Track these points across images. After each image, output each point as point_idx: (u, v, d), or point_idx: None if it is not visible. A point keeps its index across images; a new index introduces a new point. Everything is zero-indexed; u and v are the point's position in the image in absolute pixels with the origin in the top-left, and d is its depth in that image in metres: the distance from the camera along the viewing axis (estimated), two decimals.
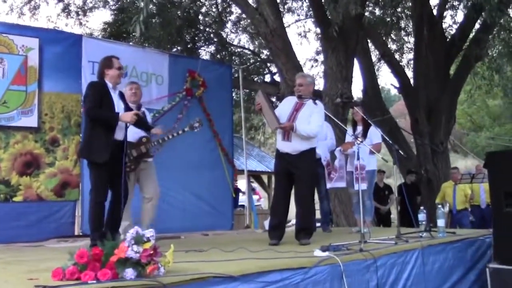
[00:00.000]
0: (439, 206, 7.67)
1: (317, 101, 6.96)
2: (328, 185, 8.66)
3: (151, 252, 3.60)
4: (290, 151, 6.71)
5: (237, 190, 14.79)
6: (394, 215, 13.66)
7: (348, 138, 8.57)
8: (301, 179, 6.66)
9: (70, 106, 8.61)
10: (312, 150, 6.82)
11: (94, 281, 3.39)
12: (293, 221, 7.14)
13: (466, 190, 12.55)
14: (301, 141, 6.65)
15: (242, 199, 17.18)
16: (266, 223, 14.94)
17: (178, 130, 7.63)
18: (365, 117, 8.30)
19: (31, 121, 8.22)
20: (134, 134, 7.04)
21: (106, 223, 5.90)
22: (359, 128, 8.40)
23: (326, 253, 4.90)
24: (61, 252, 3.78)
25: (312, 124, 6.68)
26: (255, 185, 22.99)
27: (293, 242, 6.42)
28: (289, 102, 7.07)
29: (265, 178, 21.94)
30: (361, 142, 6.78)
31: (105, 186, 5.90)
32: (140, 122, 6.35)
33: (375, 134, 8.35)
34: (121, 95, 6.32)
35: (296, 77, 7.33)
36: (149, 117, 7.68)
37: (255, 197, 22.75)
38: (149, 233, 3.70)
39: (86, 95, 6.15)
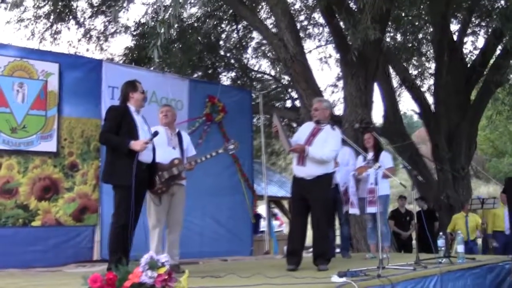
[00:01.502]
0: (459, 232, 7.57)
1: (335, 127, 6.91)
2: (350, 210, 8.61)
3: (166, 277, 3.56)
4: (305, 175, 6.66)
5: (258, 216, 14.71)
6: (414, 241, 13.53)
7: (360, 163, 8.51)
8: (316, 205, 6.59)
9: (89, 131, 8.64)
10: (328, 176, 6.75)
11: None
12: None
13: (477, 220, 12.59)
14: (315, 166, 6.60)
15: (263, 225, 17.09)
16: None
17: (212, 152, 7.51)
18: (379, 139, 8.24)
19: (50, 145, 8.25)
20: (166, 155, 6.97)
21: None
22: (370, 154, 8.33)
23: (344, 279, 4.82)
24: (78, 277, 3.73)
25: (326, 148, 6.62)
26: (276, 210, 22.87)
27: (312, 268, 6.34)
28: (307, 127, 7.04)
29: (286, 203, 21.84)
30: (379, 167, 6.68)
31: (128, 209, 5.83)
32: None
33: (387, 158, 8.31)
34: (144, 119, 6.29)
35: (313, 101, 7.30)
36: (185, 140, 7.54)
37: (276, 222, 22.63)
38: (164, 258, 3.65)
39: (104, 119, 6.18)
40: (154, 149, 6.23)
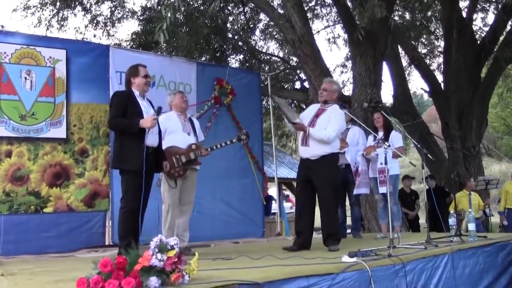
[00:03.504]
0: (470, 210, 7.55)
1: (343, 105, 6.90)
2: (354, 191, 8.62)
3: (175, 260, 3.56)
4: (309, 156, 6.70)
5: (269, 198, 14.70)
6: (422, 220, 13.52)
7: (370, 142, 8.49)
8: (321, 186, 6.60)
9: (98, 116, 8.64)
10: (333, 155, 6.75)
11: None
12: None
13: (478, 199, 12.63)
14: (319, 146, 6.62)
15: (275, 207, 17.10)
16: None
17: (226, 141, 7.58)
18: (389, 119, 8.20)
19: (60, 132, 8.27)
20: (182, 140, 7.08)
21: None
22: (380, 134, 8.29)
23: (354, 259, 4.81)
24: (89, 262, 3.74)
25: (328, 129, 6.62)
26: (288, 192, 22.87)
27: (323, 249, 6.34)
28: (312, 109, 7.07)
29: None
30: (388, 146, 6.65)
31: (136, 194, 5.84)
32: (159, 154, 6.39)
33: (397, 138, 8.27)
34: (150, 103, 6.29)
35: (324, 81, 7.28)
36: (197, 126, 7.60)
37: (288, 204, 22.62)
38: (173, 241, 3.65)
39: (109, 106, 6.19)
40: (160, 133, 6.24)
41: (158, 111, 6.08)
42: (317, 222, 6.72)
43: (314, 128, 6.64)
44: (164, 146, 6.61)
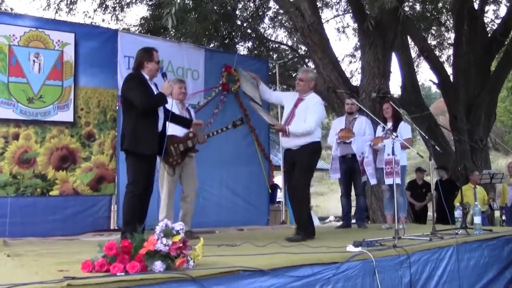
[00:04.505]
0: (476, 203, 7.54)
1: (315, 96, 6.99)
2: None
3: (180, 245, 3.57)
4: (291, 146, 6.82)
5: (275, 186, 14.69)
6: (430, 212, 13.52)
7: (379, 133, 8.48)
8: (296, 171, 6.68)
9: (106, 101, 8.64)
10: (313, 144, 6.78)
11: (123, 273, 3.37)
12: (331, 218, 7.08)
13: (483, 193, 12.68)
14: (300, 136, 6.70)
15: (280, 195, 17.10)
16: None
17: (222, 127, 7.64)
18: (399, 109, 8.18)
19: (67, 115, 8.27)
20: (181, 128, 7.16)
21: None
22: (389, 124, 8.27)
23: (359, 249, 4.82)
24: (94, 245, 3.76)
25: (308, 120, 6.68)
26: None
27: (326, 238, 6.35)
28: (291, 97, 7.17)
29: None
30: (396, 136, 6.64)
31: (145, 179, 5.86)
32: (179, 119, 6.40)
33: (405, 129, 8.25)
34: (156, 86, 6.28)
35: (299, 70, 7.35)
36: (193, 115, 7.70)
37: None
38: (179, 226, 3.66)
39: (129, 88, 5.99)
40: (165, 119, 6.25)
41: (164, 75, 6.21)
42: (323, 211, 6.74)
43: (294, 121, 6.73)
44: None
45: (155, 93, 6.04)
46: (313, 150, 6.84)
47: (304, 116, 6.70)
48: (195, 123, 7.11)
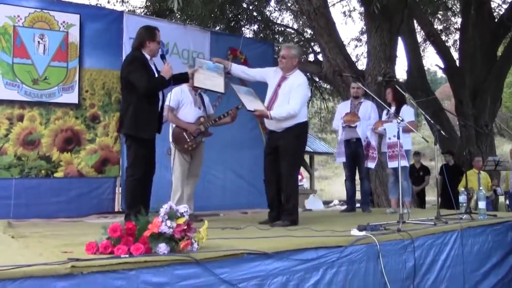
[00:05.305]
0: (481, 188, 7.52)
1: (300, 75, 6.65)
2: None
3: (185, 227, 3.55)
4: (275, 128, 6.47)
5: None
6: (429, 197, 13.55)
7: (384, 117, 8.45)
8: (282, 156, 6.35)
9: (110, 83, 8.64)
10: (299, 125, 6.44)
11: (127, 255, 3.35)
12: (335, 202, 7.03)
13: (487, 178, 12.67)
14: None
15: None
16: (307, 203, 14.92)
17: (224, 113, 7.55)
18: (402, 93, 8.13)
19: (72, 97, 8.28)
20: (193, 115, 7.18)
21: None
22: (392, 109, 8.21)
23: (363, 233, 4.81)
24: (99, 227, 3.75)
25: (291, 102, 6.33)
26: None
27: (331, 222, 6.34)
28: (275, 75, 6.72)
29: (307, 158, 21.85)
30: (402, 120, 6.57)
31: (144, 162, 5.83)
32: (178, 78, 6.38)
33: (408, 112, 8.19)
34: (155, 66, 6.17)
35: (282, 47, 7.11)
36: (206, 100, 7.61)
37: None
38: (183, 208, 3.65)
39: (131, 70, 5.85)
40: (163, 100, 6.27)
41: (164, 57, 6.15)
42: (327, 195, 6.71)
43: (276, 103, 6.41)
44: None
45: (156, 74, 6.00)
46: (299, 133, 6.51)
47: (288, 97, 6.37)
48: (190, 72, 6.68)
